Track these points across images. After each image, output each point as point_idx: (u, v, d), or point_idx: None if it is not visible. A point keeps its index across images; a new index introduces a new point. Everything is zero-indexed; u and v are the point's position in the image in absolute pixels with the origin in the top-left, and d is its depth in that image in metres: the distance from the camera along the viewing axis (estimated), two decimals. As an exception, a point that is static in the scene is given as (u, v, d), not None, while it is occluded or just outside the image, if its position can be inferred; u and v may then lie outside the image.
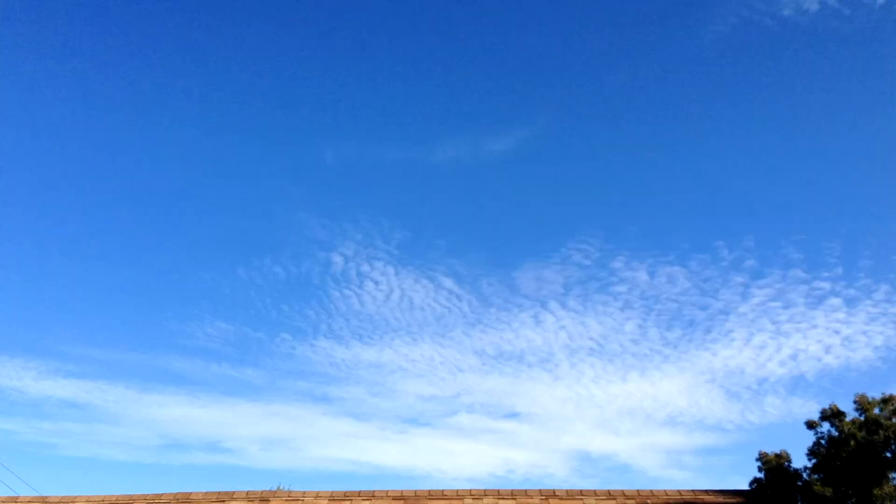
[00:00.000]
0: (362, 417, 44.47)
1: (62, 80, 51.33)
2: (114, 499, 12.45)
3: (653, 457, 42.67)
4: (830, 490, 22.58)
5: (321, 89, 52.14)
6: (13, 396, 44.94)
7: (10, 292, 49.49)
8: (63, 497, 12.63)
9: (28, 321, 49.48)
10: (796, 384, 40.52)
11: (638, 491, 11.76)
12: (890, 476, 23.47)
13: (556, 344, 42.17)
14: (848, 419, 24.49)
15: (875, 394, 23.17)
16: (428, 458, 43.11)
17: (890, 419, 24.14)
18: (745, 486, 15.49)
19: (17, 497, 13.57)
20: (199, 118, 51.82)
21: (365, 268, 44.48)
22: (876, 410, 24.34)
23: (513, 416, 43.77)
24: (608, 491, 11.73)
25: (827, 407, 24.83)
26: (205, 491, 12.47)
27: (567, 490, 11.65)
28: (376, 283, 44.27)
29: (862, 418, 24.21)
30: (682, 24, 46.92)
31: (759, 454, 25.81)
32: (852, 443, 23.58)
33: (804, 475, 25.12)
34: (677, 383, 42.34)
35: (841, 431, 24.20)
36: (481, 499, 11.42)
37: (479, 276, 45.25)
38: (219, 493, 12.45)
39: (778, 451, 25.58)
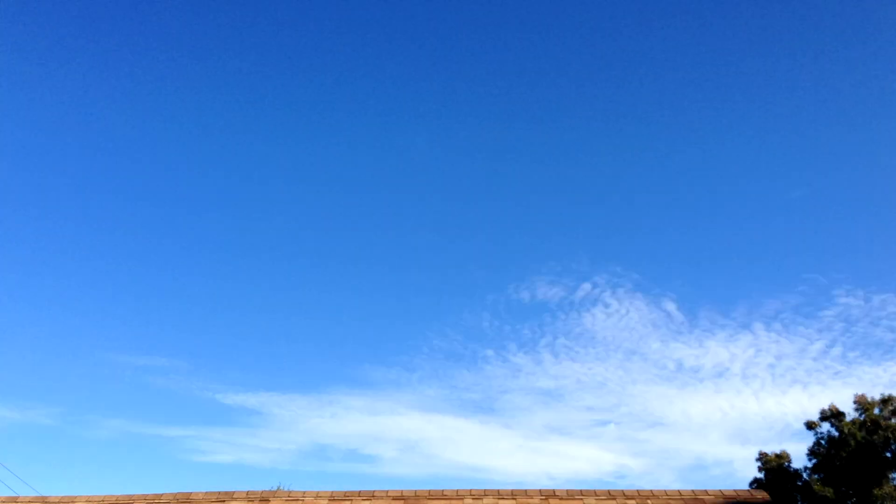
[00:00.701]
0: (512, 426, 47.39)
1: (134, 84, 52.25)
2: (114, 499, 12.43)
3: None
4: (831, 490, 22.52)
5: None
6: (210, 406, 48.36)
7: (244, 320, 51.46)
8: (63, 497, 12.61)
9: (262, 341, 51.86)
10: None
11: (638, 491, 11.74)
12: (890, 476, 23.44)
13: (740, 360, 44.39)
14: (848, 419, 24.46)
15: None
16: (545, 462, 45.27)
17: (889, 419, 24.10)
18: (745, 487, 15.44)
19: (17, 497, 13.55)
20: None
21: (605, 294, 47.28)
22: (876, 411, 24.30)
23: (657, 425, 46.40)
24: (608, 491, 11.71)
25: (826, 408, 24.80)
26: (205, 491, 12.45)
27: (567, 490, 11.63)
28: (606, 306, 47.11)
29: (862, 418, 24.17)
30: None
31: (759, 454, 25.80)
32: (852, 443, 23.54)
33: (804, 475, 25.06)
34: (834, 397, 43.37)
35: (841, 432, 24.19)
36: (481, 499, 11.41)
37: (703, 303, 48.21)
38: (219, 493, 12.44)
39: (778, 452, 25.53)
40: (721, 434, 45.98)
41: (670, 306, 46.03)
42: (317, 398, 48.35)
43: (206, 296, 55.00)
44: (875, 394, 24.94)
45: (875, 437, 23.21)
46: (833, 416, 24.53)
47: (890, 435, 23.05)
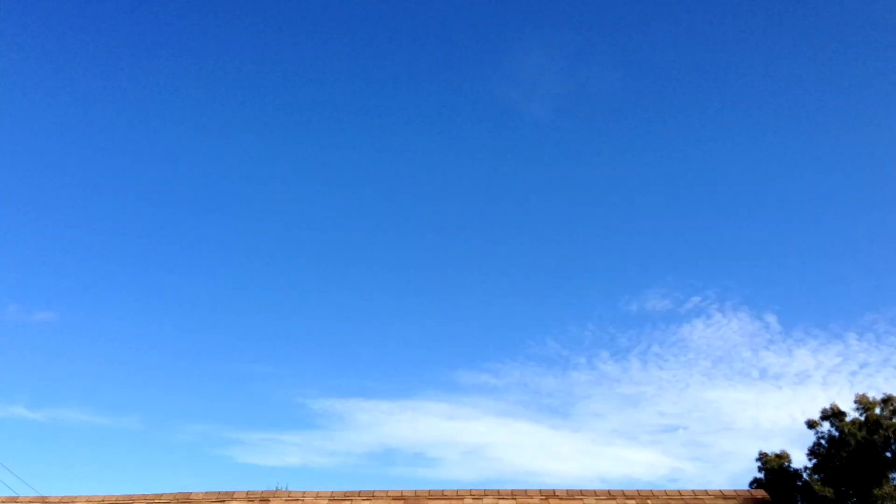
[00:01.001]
0: (580, 430, 48.19)
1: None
2: (114, 499, 12.43)
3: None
4: (831, 490, 22.45)
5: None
6: (298, 412, 50.44)
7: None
8: (63, 497, 12.61)
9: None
10: None
11: (638, 491, 11.73)
12: (890, 476, 23.36)
13: (824, 367, 44.42)
14: (848, 419, 24.39)
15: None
16: (602, 466, 45.94)
17: (890, 419, 24.01)
18: (745, 487, 15.42)
19: (17, 497, 13.56)
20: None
21: (712, 306, 47.79)
22: (877, 410, 24.22)
23: (724, 430, 47.03)
24: (608, 491, 11.70)
25: (828, 407, 24.74)
26: (205, 491, 12.46)
27: (567, 490, 11.63)
28: (709, 317, 47.59)
29: (862, 418, 24.10)
30: None
31: (759, 454, 25.74)
32: (853, 442, 23.46)
33: (804, 475, 24.98)
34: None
35: (841, 431, 24.12)
36: (481, 499, 11.41)
37: (804, 314, 49.47)
38: (219, 493, 12.44)
39: (778, 452, 25.46)
40: (784, 439, 46.60)
41: (771, 318, 47.11)
42: (401, 403, 49.47)
43: (323, 306, 57.66)
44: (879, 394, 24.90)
45: (876, 436, 23.16)
46: (834, 415, 24.47)
47: (891, 435, 23.00)
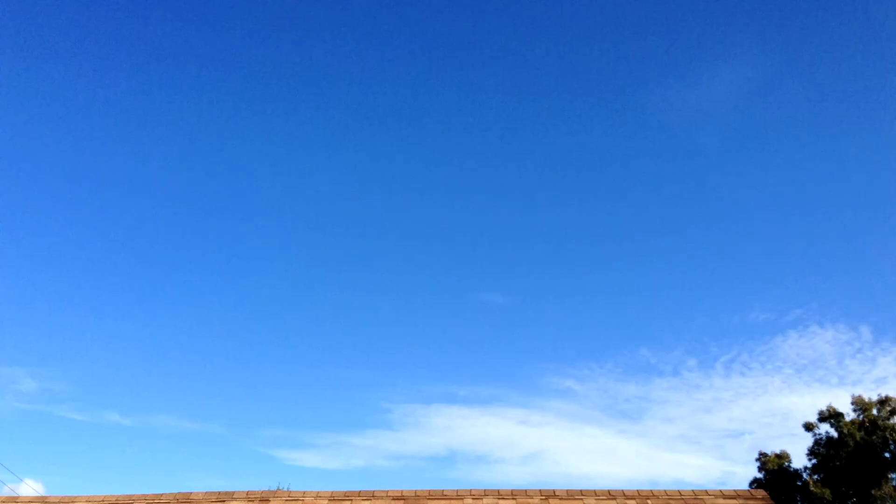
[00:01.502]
0: (646, 435, 49.35)
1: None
2: (114, 499, 12.42)
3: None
4: (828, 491, 22.47)
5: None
6: (379, 416, 51.63)
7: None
8: (63, 497, 12.60)
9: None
10: None
11: (638, 491, 11.74)
12: (889, 476, 23.39)
13: None
14: (847, 419, 24.42)
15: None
16: (657, 469, 46.69)
17: (888, 419, 24.06)
18: (745, 486, 15.42)
19: (17, 497, 13.55)
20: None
21: (811, 318, 49.09)
22: (874, 411, 24.26)
23: (792, 435, 48.69)
24: (608, 491, 11.71)
25: (825, 408, 24.79)
26: (205, 491, 12.46)
27: (567, 490, 11.63)
28: (805, 327, 48.94)
29: (860, 419, 24.13)
30: None
31: (759, 455, 25.76)
32: (851, 443, 23.50)
33: (804, 475, 25.01)
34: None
35: (840, 432, 24.16)
36: (481, 499, 11.41)
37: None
38: (219, 493, 12.44)
39: (778, 452, 25.49)
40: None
41: (864, 328, 48.16)
42: (480, 409, 50.86)
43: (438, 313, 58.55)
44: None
45: (874, 437, 23.19)
46: (832, 416, 24.50)
47: (888, 435, 23.04)
